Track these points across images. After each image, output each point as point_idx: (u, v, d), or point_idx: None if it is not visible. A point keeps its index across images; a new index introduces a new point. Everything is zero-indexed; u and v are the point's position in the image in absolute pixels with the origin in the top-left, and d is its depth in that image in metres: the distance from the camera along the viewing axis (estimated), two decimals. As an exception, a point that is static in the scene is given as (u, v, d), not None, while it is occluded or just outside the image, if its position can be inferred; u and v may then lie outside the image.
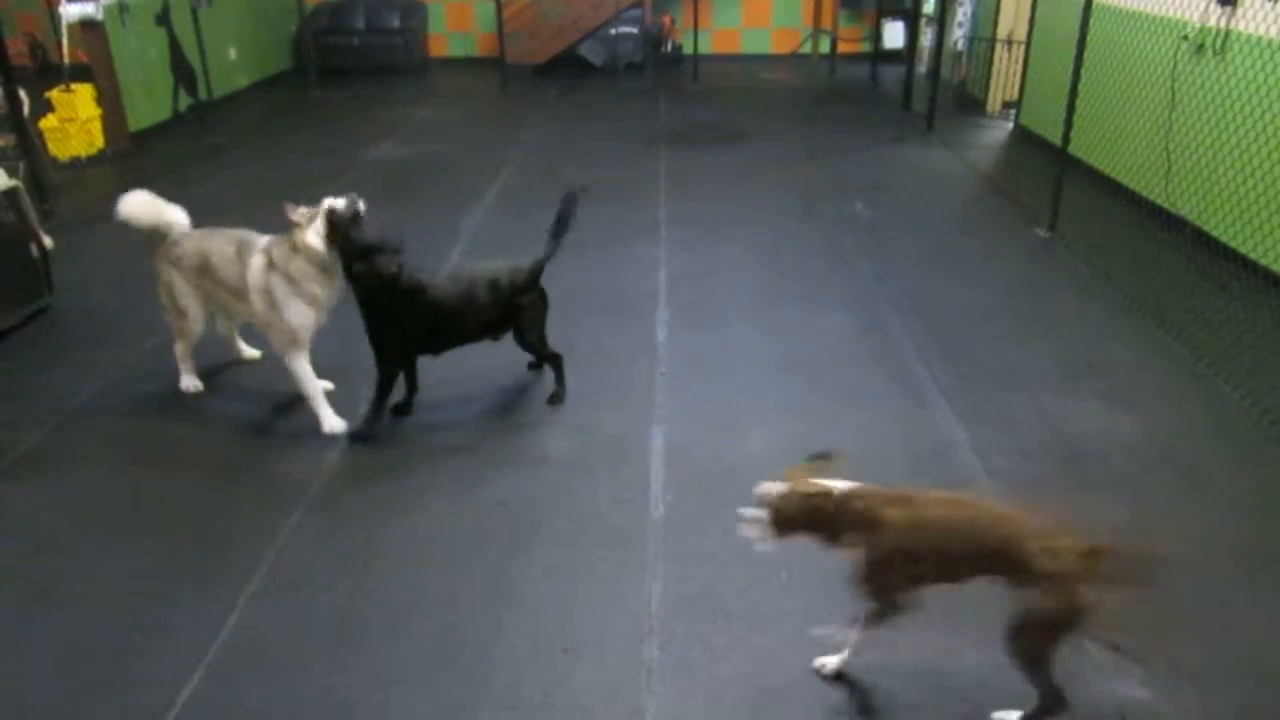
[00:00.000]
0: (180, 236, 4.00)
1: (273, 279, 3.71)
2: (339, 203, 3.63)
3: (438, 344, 3.91)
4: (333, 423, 3.84)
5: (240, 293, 3.82)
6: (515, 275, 3.89)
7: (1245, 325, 4.66)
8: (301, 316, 3.74)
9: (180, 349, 4.19)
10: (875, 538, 2.28)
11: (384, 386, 3.79)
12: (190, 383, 4.23)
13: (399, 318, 3.71)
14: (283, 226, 3.70)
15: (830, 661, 2.62)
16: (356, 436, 3.80)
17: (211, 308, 4.11)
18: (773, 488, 2.34)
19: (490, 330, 3.96)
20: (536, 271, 3.95)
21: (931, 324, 4.81)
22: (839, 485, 2.33)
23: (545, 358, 4.12)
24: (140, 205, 3.98)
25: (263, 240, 3.83)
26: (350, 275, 3.64)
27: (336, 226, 3.60)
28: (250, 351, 4.45)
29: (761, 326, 4.85)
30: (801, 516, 2.30)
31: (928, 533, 2.29)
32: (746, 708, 2.55)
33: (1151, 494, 3.45)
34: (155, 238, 4.01)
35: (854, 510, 2.29)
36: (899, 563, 2.30)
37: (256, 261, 3.76)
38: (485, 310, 3.84)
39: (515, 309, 3.91)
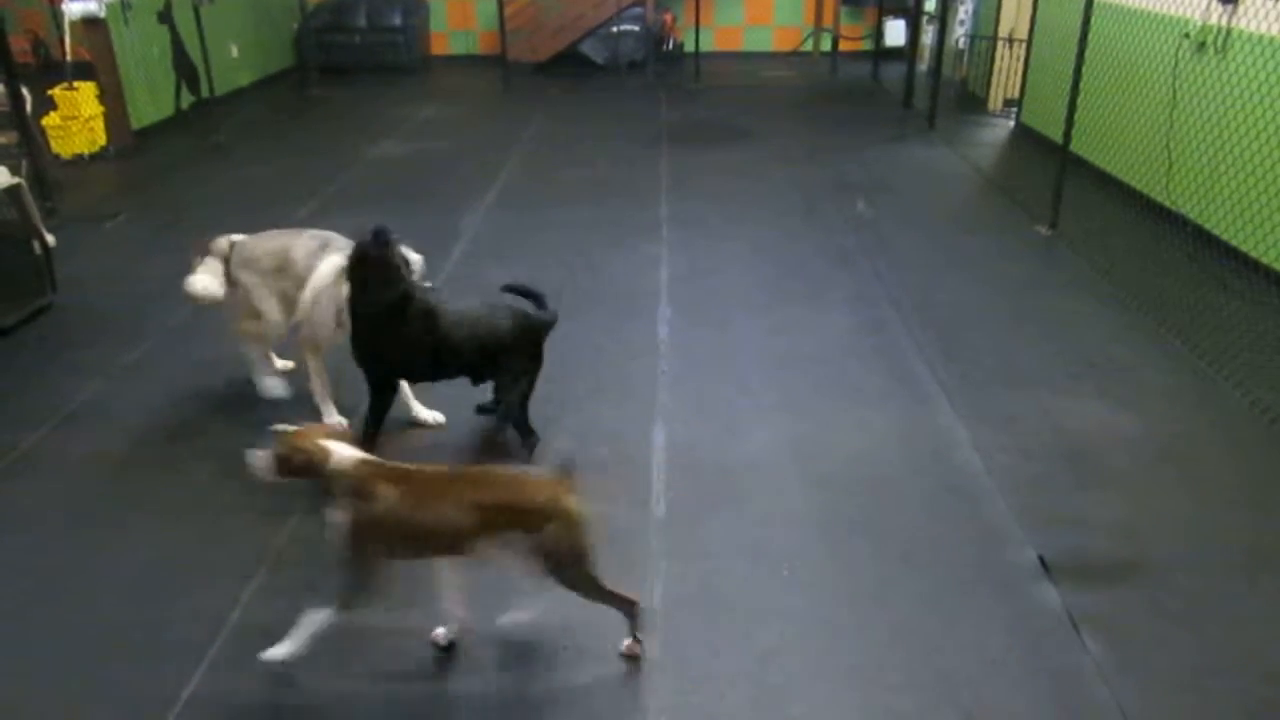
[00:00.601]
0: (245, 240, 3.92)
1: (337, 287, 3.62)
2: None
3: (427, 372, 3.63)
4: (334, 420, 3.85)
5: (302, 284, 3.74)
6: (499, 325, 3.50)
7: (1246, 323, 4.66)
8: (326, 327, 3.70)
9: (256, 353, 4.09)
10: (364, 506, 2.47)
11: (381, 408, 3.60)
12: (273, 386, 4.11)
13: (405, 338, 3.44)
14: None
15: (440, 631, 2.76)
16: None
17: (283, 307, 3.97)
18: (284, 429, 2.54)
19: (468, 372, 3.61)
20: (533, 328, 3.54)
21: (933, 322, 4.81)
22: (342, 451, 2.51)
23: (517, 426, 3.68)
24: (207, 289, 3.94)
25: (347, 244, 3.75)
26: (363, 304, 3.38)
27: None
28: (280, 363, 4.28)
29: (763, 324, 4.85)
30: (298, 464, 2.49)
31: (422, 507, 2.50)
32: (748, 705, 2.56)
33: (1152, 492, 3.46)
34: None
35: (350, 477, 2.48)
36: (384, 533, 2.50)
37: (333, 261, 3.67)
38: (467, 350, 3.51)
39: (495, 361, 3.53)
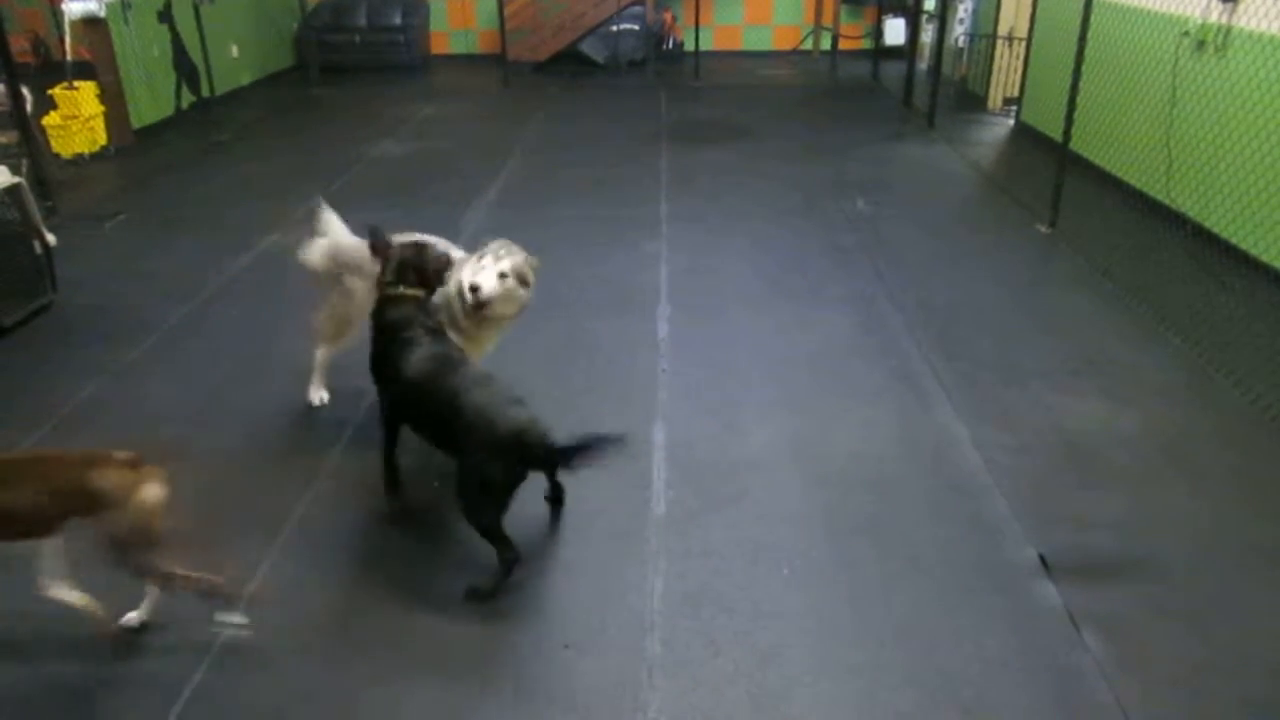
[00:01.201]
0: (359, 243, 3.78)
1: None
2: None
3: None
4: None
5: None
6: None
7: (1246, 321, 4.66)
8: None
9: (323, 356, 4.02)
10: None
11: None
12: (320, 395, 4.07)
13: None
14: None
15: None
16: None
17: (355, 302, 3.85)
18: None
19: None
20: (502, 435, 2.87)
21: (932, 320, 4.81)
22: None
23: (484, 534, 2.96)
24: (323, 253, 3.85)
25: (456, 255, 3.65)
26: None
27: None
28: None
29: (763, 322, 4.85)
30: None
31: None
32: (748, 703, 2.56)
33: (1152, 490, 3.46)
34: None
35: None
36: None
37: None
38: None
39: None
